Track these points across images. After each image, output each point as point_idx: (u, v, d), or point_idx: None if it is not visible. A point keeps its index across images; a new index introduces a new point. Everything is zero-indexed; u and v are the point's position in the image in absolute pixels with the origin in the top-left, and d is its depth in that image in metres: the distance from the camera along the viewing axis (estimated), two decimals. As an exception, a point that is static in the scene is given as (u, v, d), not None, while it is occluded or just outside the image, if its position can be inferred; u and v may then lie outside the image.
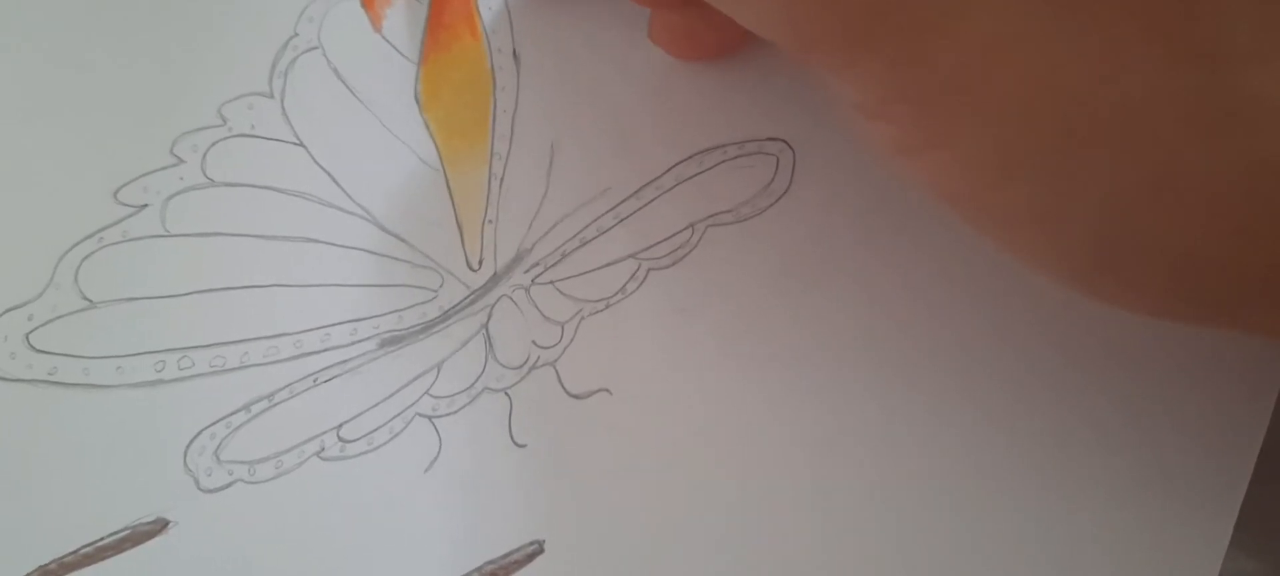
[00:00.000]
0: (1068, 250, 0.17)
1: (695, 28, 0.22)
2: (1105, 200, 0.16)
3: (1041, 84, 0.15)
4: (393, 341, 0.21)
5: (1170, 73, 0.15)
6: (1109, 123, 0.15)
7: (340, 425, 0.21)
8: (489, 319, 0.22)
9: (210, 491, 0.20)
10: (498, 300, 0.22)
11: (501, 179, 0.22)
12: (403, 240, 0.22)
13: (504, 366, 0.21)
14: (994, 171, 0.16)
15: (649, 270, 0.22)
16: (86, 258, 0.21)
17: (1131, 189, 0.15)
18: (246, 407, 0.21)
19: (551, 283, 0.22)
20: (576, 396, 0.21)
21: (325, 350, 0.21)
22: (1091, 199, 0.16)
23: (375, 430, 0.21)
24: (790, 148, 0.22)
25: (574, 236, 0.22)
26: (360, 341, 0.21)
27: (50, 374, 0.21)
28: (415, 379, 0.21)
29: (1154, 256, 0.16)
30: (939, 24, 0.15)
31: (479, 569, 0.20)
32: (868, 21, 0.16)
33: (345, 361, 0.21)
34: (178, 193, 0.22)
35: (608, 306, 0.22)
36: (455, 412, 0.21)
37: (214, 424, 0.21)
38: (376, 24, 0.23)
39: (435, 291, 0.22)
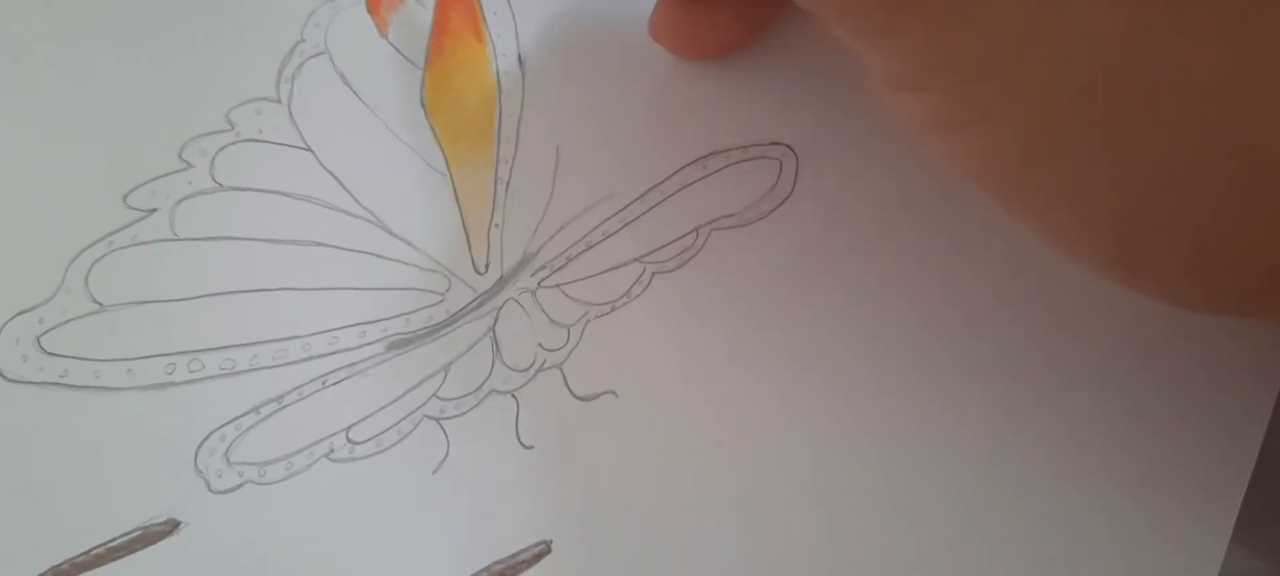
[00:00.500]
0: (1096, 231, 0.16)
1: (700, 25, 0.22)
2: (1136, 179, 0.15)
3: (1079, 55, 0.15)
4: (400, 344, 0.22)
5: (1199, 48, 0.14)
6: (1144, 97, 0.15)
7: (349, 427, 0.21)
8: (496, 322, 0.22)
9: (221, 492, 0.20)
10: (504, 303, 0.22)
11: (507, 183, 0.23)
12: (409, 244, 0.22)
13: (511, 369, 0.21)
14: (1030, 148, 0.16)
15: (654, 273, 0.22)
16: (97, 261, 0.21)
17: (1160, 167, 0.15)
18: (256, 409, 0.21)
19: (557, 286, 0.22)
20: (583, 398, 0.21)
21: (333, 353, 0.21)
22: (1123, 177, 0.15)
23: (383, 432, 0.21)
24: (793, 151, 0.23)
25: (579, 240, 0.22)
26: (368, 344, 0.21)
27: (61, 377, 0.21)
28: (423, 381, 0.21)
29: (1177, 239, 0.16)
30: None
31: (486, 569, 0.20)
32: None
33: (353, 364, 0.21)
34: (186, 197, 0.22)
35: (613, 309, 0.22)
36: (463, 414, 0.21)
37: (224, 426, 0.21)
38: (382, 29, 0.23)
39: (442, 295, 0.22)
